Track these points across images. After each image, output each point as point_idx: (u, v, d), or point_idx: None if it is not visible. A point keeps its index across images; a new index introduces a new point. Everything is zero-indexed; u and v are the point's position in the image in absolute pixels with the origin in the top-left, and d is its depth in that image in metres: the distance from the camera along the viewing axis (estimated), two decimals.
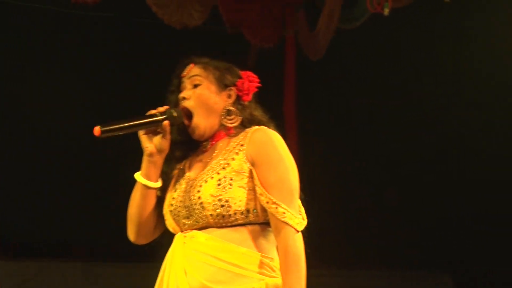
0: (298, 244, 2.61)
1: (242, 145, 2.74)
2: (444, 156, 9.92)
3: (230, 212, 2.63)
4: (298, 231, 2.62)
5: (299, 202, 2.72)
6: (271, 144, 2.71)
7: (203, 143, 2.85)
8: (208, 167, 2.75)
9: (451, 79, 9.59)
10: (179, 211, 2.75)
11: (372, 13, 7.70)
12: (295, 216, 2.65)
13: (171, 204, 2.77)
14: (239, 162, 2.70)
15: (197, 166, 2.82)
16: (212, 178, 2.69)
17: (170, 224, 2.78)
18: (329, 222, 8.67)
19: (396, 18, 7.66)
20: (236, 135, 2.81)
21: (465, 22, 8.88)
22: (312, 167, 9.52)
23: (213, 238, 2.63)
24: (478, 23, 8.80)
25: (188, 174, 2.81)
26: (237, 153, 2.72)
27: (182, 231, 2.74)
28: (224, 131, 2.82)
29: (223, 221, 2.63)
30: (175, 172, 2.85)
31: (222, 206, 2.63)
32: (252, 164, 2.68)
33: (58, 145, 9.22)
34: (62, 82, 8.94)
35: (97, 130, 2.62)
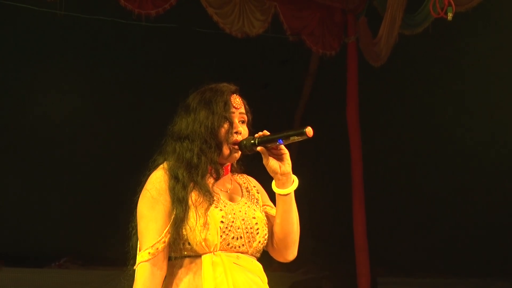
0: None
1: (256, 188, 3.01)
2: None
3: (264, 245, 2.90)
4: None
5: None
6: None
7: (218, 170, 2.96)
8: (242, 197, 2.92)
9: None
10: (229, 230, 2.77)
11: (435, 18, 7.62)
12: None
13: (222, 222, 2.77)
14: (260, 204, 2.96)
15: (225, 192, 2.90)
16: (255, 210, 2.89)
17: (212, 239, 2.76)
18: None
19: (458, 23, 7.58)
20: (231, 171, 3.00)
21: None
22: (374, 172, 9.58)
23: (255, 261, 2.84)
24: None
25: (223, 198, 2.85)
26: (257, 192, 3.00)
27: (216, 250, 2.79)
28: (229, 166, 2.98)
29: (258, 251, 2.86)
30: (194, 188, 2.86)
31: (266, 239, 2.87)
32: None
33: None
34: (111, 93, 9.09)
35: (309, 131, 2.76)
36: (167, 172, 2.77)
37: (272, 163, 2.83)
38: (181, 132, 2.84)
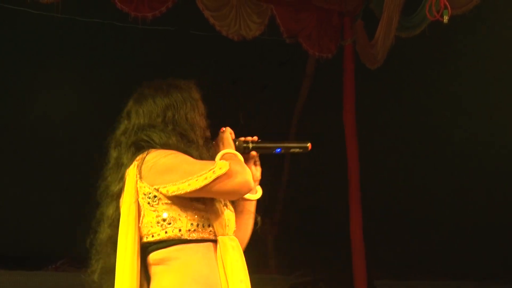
0: None
1: None
2: None
3: None
4: None
5: None
6: None
7: None
8: None
9: None
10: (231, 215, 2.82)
11: (431, 21, 7.63)
12: None
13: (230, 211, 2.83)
14: None
15: None
16: None
17: (233, 219, 2.82)
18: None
19: (455, 25, 7.59)
20: None
21: None
22: (371, 174, 9.59)
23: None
24: None
25: None
26: None
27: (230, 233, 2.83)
28: None
29: None
30: None
31: None
32: None
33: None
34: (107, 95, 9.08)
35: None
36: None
37: (252, 169, 2.86)
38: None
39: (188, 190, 2.60)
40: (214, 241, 2.71)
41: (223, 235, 2.72)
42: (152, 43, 9.36)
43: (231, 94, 9.77)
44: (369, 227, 8.98)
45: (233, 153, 2.77)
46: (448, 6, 7.04)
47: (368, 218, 8.97)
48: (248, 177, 2.65)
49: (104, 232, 2.81)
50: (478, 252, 9.86)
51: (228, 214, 2.77)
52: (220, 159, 2.71)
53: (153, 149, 2.72)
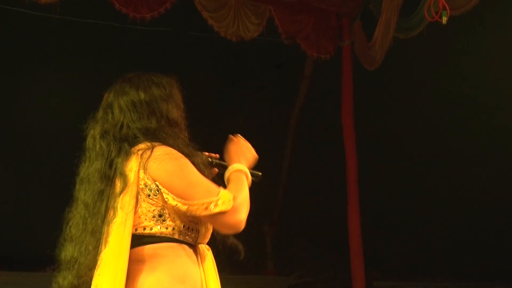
0: None
1: None
2: None
3: None
4: None
5: None
6: None
7: None
8: None
9: None
10: None
11: (429, 22, 7.63)
12: None
13: None
14: None
15: None
16: None
17: (208, 234, 2.81)
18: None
19: (454, 26, 7.60)
20: None
21: None
22: (370, 175, 9.60)
23: None
24: None
25: None
26: None
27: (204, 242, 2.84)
28: None
29: None
30: None
31: None
32: None
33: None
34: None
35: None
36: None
37: None
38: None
39: (186, 212, 2.60)
40: (193, 246, 2.71)
41: (201, 243, 2.73)
42: (151, 44, 9.36)
43: (230, 95, 9.78)
44: (368, 228, 8.98)
45: (244, 172, 2.78)
46: (447, 7, 7.05)
47: (366, 219, 8.97)
48: (246, 214, 2.65)
49: (80, 220, 2.72)
50: (478, 253, 9.86)
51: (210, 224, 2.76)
52: (228, 179, 2.74)
53: (158, 144, 2.68)
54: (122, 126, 2.74)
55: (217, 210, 2.56)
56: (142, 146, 2.67)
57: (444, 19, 7.14)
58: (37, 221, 9.69)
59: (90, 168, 2.74)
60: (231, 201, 2.59)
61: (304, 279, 10.64)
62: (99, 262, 2.58)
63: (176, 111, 2.81)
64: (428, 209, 10.31)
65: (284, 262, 10.90)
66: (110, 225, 2.60)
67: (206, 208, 2.57)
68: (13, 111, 9.65)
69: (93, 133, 2.79)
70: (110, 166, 2.68)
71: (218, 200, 2.58)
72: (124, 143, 2.70)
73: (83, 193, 2.74)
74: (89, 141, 2.78)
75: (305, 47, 8.91)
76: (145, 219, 2.64)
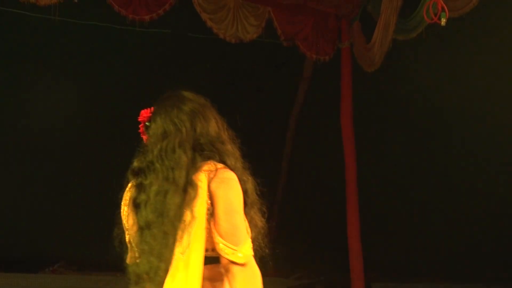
0: None
1: None
2: None
3: None
4: None
5: None
6: None
7: None
8: None
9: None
10: None
11: (428, 23, 7.63)
12: None
13: None
14: None
15: None
16: None
17: None
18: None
19: (453, 28, 7.60)
20: None
21: None
22: (369, 176, 9.60)
23: None
24: None
25: None
26: None
27: None
28: None
29: None
30: None
31: None
32: None
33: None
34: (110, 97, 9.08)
35: None
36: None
37: None
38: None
39: (212, 238, 2.68)
40: None
41: None
42: (150, 45, 9.36)
43: (229, 96, 9.78)
44: (367, 230, 8.98)
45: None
46: (446, 8, 7.05)
47: (366, 220, 8.97)
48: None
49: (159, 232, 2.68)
50: (477, 254, 9.86)
51: None
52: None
53: (221, 167, 2.72)
54: (195, 138, 2.79)
55: (241, 261, 2.69)
56: (212, 166, 2.70)
57: (443, 21, 7.13)
58: (37, 221, 9.70)
59: (165, 161, 2.75)
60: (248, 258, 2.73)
61: (303, 280, 10.63)
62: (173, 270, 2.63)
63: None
64: (428, 210, 10.31)
65: (283, 263, 10.90)
66: (192, 235, 2.66)
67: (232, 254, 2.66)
68: (13, 111, 9.66)
69: (165, 145, 2.80)
70: (187, 178, 2.70)
71: (247, 252, 2.73)
72: (196, 153, 2.75)
73: (159, 205, 2.69)
74: (160, 154, 2.78)
75: (304, 48, 8.92)
76: (206, 240, 2.70)
